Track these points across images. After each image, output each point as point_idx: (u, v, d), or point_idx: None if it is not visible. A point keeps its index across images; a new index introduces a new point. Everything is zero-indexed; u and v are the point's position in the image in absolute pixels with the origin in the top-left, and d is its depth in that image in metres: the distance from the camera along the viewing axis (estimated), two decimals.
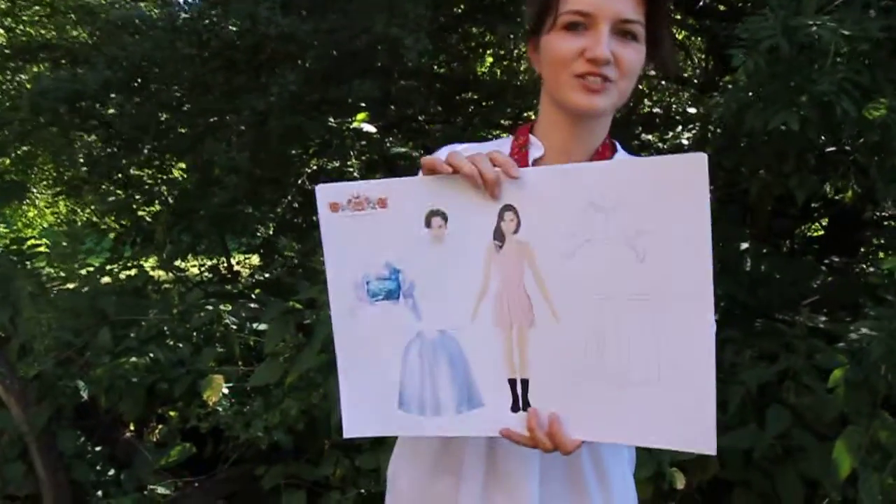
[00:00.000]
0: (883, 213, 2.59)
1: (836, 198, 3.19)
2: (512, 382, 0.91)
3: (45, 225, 7.58)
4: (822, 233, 4.15)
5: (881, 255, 3.44)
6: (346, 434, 0.98)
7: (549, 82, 1.00)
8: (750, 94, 2.01)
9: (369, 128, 2.98)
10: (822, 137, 2.04)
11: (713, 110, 2.20)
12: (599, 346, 0.87)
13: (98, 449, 2.59)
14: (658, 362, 0.84)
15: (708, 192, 0.80)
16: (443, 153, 0.95)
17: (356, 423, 0.98)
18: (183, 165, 4.33)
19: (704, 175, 0.80)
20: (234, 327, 2.89)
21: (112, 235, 4.44)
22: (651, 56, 0.99)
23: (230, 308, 2.97)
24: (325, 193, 0.94)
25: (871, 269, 3.37)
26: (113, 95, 2.98)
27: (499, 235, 0.89)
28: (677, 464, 2.02)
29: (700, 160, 0.80)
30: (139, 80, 2.99)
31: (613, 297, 0.85)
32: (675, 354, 0.83)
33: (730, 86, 2.08)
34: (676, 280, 0.82)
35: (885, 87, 1.81)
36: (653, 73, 5.06)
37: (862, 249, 3.82)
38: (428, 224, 0.91)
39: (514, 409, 0.91)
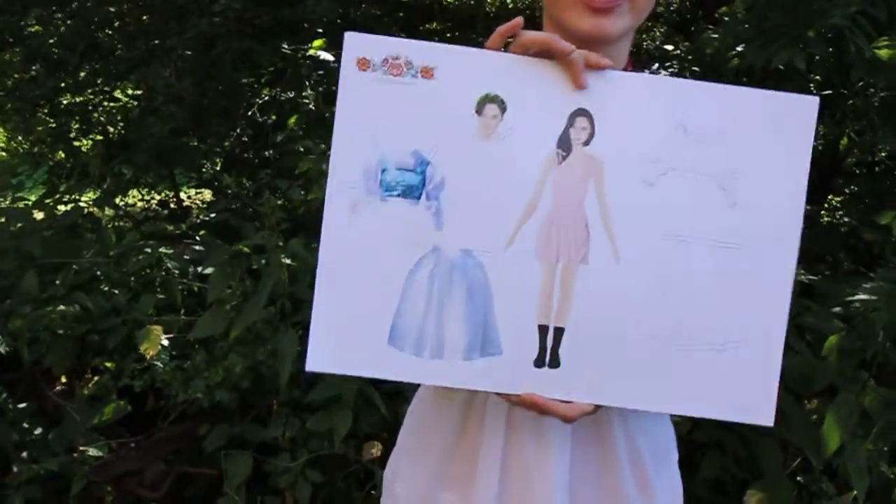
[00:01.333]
0: (871, 162, 2.47)
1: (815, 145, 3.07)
2: (542, 330, 0.75)
3: None
4: None
5: (858, 203, 3.33)
6: (310, 366, 0.77)
7: (550, 5, 0.81)
8: (748, 26, 1.82)
9: (327, 55, 2.74)
10: (825, 81, 1.86)
11: (707, 44, 2.00)
12: (663, 299, 0.74)
13: (22, 406, 2.37)
14: (727, 323, 0.74)
15: (812, 140, 0.73)
16: None
17: (326, 353, 0.76)
18: (129, 92, 3.99)
19: (814, 121, 0.73)
20: (177, 272, 2.66)
21: (45, 168, 4.10)
22: None
23: (172, 251, 2.74)
24: (356, 44, 0.73)
25: (846, 220, 3.27)
26: (35, 9, 2.64)
27: (564, 144, 0.73)
28: None
29: (813, 104, 0.73)
30: None
31: (692, 243, 0.74)
32: (748, 316, 0.74)
33: (726, 18, 1.88)
34: (765, 233, 0.74)
35: None
36: None
37: (832, 198, 3.74)
38: (480, 111, 0.73)
39: (539, 363, 0.75)
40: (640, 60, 4.36)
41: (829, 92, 2.13)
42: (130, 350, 2.36)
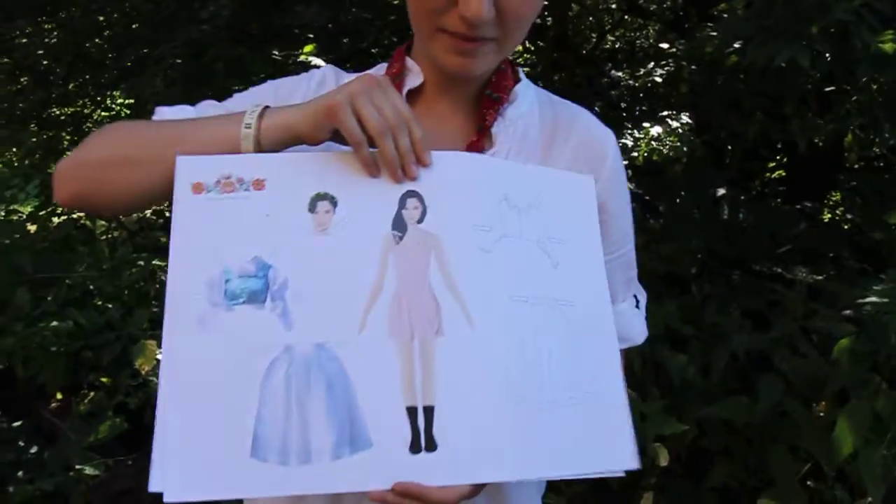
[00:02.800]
0: (871, 157, 2.43)
1: (816, 141, 3.03)
2: (411, 412, 0.69)
3: None
4: (782, 173, 4.00)
5: (860, 200, 3.29)
6: (168, 499, 0.66)
7: (414, 25, 0.80)
8: (748, 22, 1.77)
9: (318, 61, 2.70)
10: (824, 78, 1.82)
11: (707, 42, 1.96)
12: (522, 359, 0.73)
13: (17, 424, 2.33)
14: (575, 378, 0.76)
15: (596, 212, 0.81)
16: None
17: (183, 480, 0.67)
18: (120, 102, 3.95)
19: (592, 195, 0.81)
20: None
21: (37, 180, 4.06)
22: None
23: (165, 262, 2.69)
24: (189, 169, 0.73)
25: (849, 217, 3.23)
26: (21, 20, 2.59)
27: (399, 225, 0.73)
28: (658, 438, 1.86)
29: (587, 182, 0.82)
30: (49, 5, 2.61)
31: (535, 302, 0.76)
32: (590, 372, 0.77)
33: (724, 15, 1.84)
34: (585, 289, 0.79)
35: None
36: (614, 6, 4.84)
37: (832, 194, 3.70)
38: (312, 209, 0.73)
39: (414, 448, 0.68)
40: (630, 59, 4.32)
41: (833, 88, 2.10)
42: (125, 366, 2.32)
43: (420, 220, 0.74)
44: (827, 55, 1.55)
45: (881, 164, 2.65)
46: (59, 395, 2.65)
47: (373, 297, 0.72)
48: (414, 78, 0.85)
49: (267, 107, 0.76)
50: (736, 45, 1.84)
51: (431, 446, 0.69)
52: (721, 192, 2.96)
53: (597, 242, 0.81)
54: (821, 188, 3.66)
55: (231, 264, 0.72)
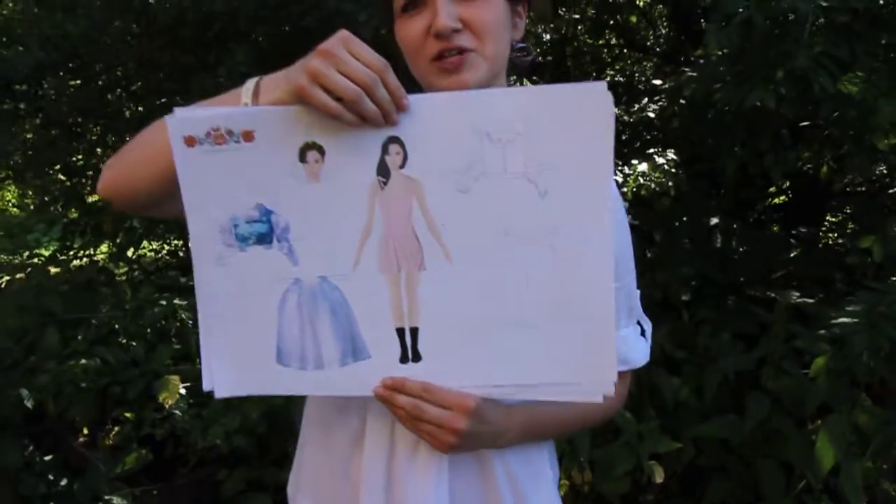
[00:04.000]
0: (856, 184, 2.55)
1: (805, 168, 3.15)
2: (400, 332, 0.84)
3: None
4: (783, 199, 4.11)
5: (851, 224, 3.40)
6: (218, 394, 0.87)
7: (414, 71, 0.90)
8: (722, 69, 1.92)
9: None
10: (799, 115, 1.96)
11: (685, 85, 2.10)
12: (497, 288, 0.81)
13: (48, 458, 2.45)
14: (558, 303, 0.81)
15: (613, 123, 0.76)
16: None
17: (228, 381, 0.87)
18: None
19: (609, 105, 0.76)
20: (191, 322, 2.75)
21: (60, 225, 4.23)
22: (513, 1, 0.90)
23: (185, 302, 2.83)
24: (179, 125, 0.80)
25: (840, 241, 3.34)
26: (49, 78, 2.77)
27: (383, 171, 0.80)
28: (654, 456, 1.96)
29: (601, 89, 0.76)
30: (78, 61, 2.79)
31: (512, 235, 0.80)
32: (576, 294, 0.80)
33: (701, 61, 1.98)
34: (578, 216, 0.79)
35: (864, 61, 1.73)
36: (614, 41, 5.01)
37: (829, 219, 3.80)
38: (303, 159, 0.80)
39: (403, 360, 0.84)
40: (629, 93, 4.46)
41: (808, 123, 2.23)
42: (150, 400, 2.45)
43: (402, 166, 0.79)
44: (792, 96, 1.68)
45: (863, 189, 2.76)
46: (85, 430, 2.78)
47: (364, 238, 0.82)
48: None
49: (261, 78, 0.81)
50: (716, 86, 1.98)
51: (417, 358, 0.84)
52: (714, 220, 3.08)
53: (605, 156, 0.77)
54: (817, 213, 3.77)
55: (237, 212, 0.83)
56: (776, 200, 4.12)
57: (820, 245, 3.43)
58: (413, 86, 0.87)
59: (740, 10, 1.69)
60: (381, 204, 0.81)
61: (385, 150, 0.79)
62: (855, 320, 1.57)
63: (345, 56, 0.73)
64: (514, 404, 0.89)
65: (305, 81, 0.74)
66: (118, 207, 0.94)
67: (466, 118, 0.78)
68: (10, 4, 4.23)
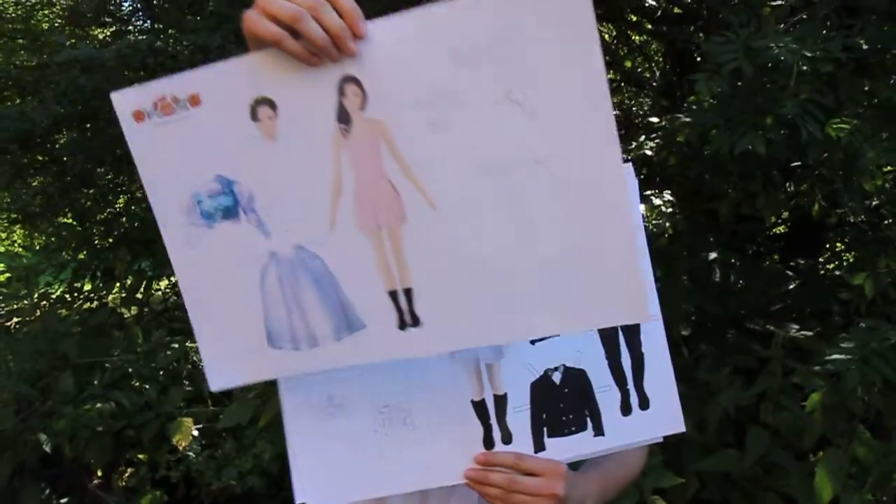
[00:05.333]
0: (848, 219, 2.62)
1: (802, 202, 3.23)
2: (392, 295, 0.75)
3: (2, 250, 7.39)
4: (783, 228, 4.17)
5: (848, 256, 3.47)
6: (213, 387, 0.81)
7: None
8: (714, 114, 2.00)
9: None
10: (787, 158, 2.04)
11: (678, 130, 2.19)
12: (493, 232, 0.71)
13: (64, 501, 2.50)
14: (568, 239, 0.71)
15: (595, 26, 0.65)
16: None
17: (222, 372, 0.80)
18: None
19: (588, 6, 0.65)
20: (202, 364, 2.81)
21: (70, 267, 4.31)
22: None
23: (196, 344, 2.89)
24: (125, 101, 0.73)
25: (838, 273, 3.40)
26: (64, 131, 2.88)
27: (343, 117, 0.70)
28: (657, 491, 2.00)
29: None
30: (91, 113, 2.90)
31: (501, 168, 0.70)
32: (587, 226, 0.70)
33: (693, 107, 2.07)
34: (576, 135, 0.68)
35: (848, 106, 1.82)
36: (611, 75, 5.12)
37: (827, 247, 3.86)
38: (254, 117, 0.72)
39: (402, 325, 0.75)
40: (626, 128, 4.56)
41: (799, 163, 2.31)
42: (163, 442, 2.50)
43: (363, 107, 0.70)
44: (779, 141, 1.76)
45: (860, 220, 2.83)
46: (99, 472, 2.82)
47: (335, 195, 0.73)
48: None
49: None
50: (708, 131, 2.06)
51: (416, 322, 0.75)
52: (713, 255, 3.15)
53: (596, 68, 0.66)
54: (815, 244, 3.84)
55: (197, 187, 0.74)
56: (777, 230, 4.19)
57: (819, 276, 3.49)
58: None
59: (730, 60, 1.78)
60: (348, 154, 0.72)
61: (342, 93, 0.69)
62: (848, 356, 1.63)
63: None
64: (589, 470, 0.88)
65: (253, 13, 0.67)
66: None
67: (431, 37, 0.68)
68: (24, 55, 4.38)
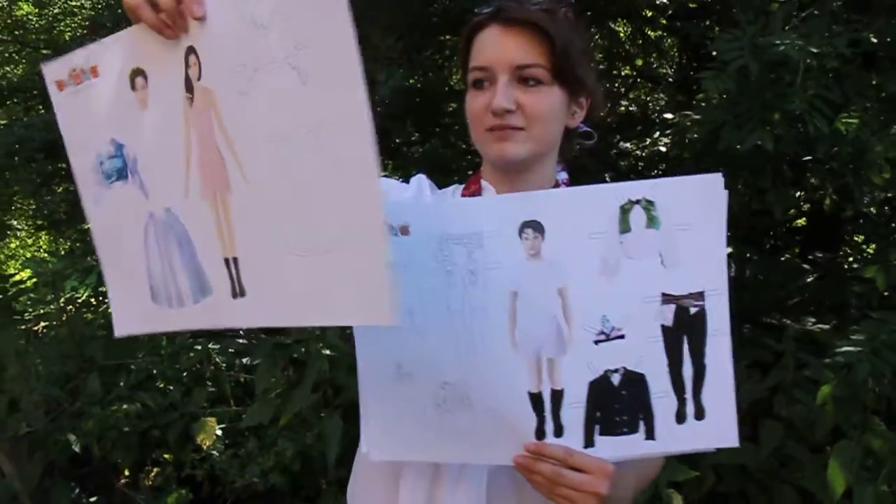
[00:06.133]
0: (865, 211, 2.62)
1: (817, 196, 3.22)
2: (227, 262, 0.77)
3: (29, 255, 7.54)
4: (803, 221, 4.15)
5: (868, 249, 3.45)
6: (117, 333, 0.89)
7: (473, 138, 1.01)
8: (723, 111, 2.02)
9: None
10: (797, 153, 2.05)
11: (688, 129, 2.21)
12: (289, 205, 0.71)
13: (93, 500, 2.57)
14: (328, 219, 0.69)
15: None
16: None
17: (123, 320, 0.89)
18: None
19: None
20: (224, 366, 2.87)
21: (95, 272, 4.40)
22: (575, 94, 0.99)
23: (219, 346, 2.96)
24: (51, 70, 0.82)
25: (857, 266, 3.38)
26: None
27: (188, 86, 0.75)
28: (674, 483, 2.02)
29: None
30: None
31: (288, 138, 0.69)
32: (341, 206, 0.68)
33: (703, 104, 2.09)
34: (334, 105, 0.66)
35: (856, 102, 1.82)
36: (626, 71, 5.12)
37: (846, 240, 3.84)
38: (133, 86, 0.78)
39: (234, 294, 0.77)
40: (643, 123, 4.56)
41: (809, 157, 2.32)
42: (188, 441, 2.56)
43: (199, 77, 0.73)
44: (787, 137, 1.78)
45: (873, 212, 2.83)
46: (126, 471, 2.89)
47: (186, 163, 0.77)
48: (489, 195, 1.01)
49: None
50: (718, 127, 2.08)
51: (243, 292, 0.76)
52: (728, 250, 3.15)
53: (344, 37, 0.64)
54: (834, 237, 3.82)
55: (99, 149, 0.82)
56: (798, 222, 4.17)
57: (837, 270, 3.48)
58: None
59: (736, 58, 1.80)
60: (192, 122, 0.75)
61: (187, 63, 0.74)
62: (858, 348, 1.64)
63: None
64: (625, 467, 0.89)
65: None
66: None
67: (234, 6, 0.70)
68: None
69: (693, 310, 0.84)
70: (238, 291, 0.76)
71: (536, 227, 0.81)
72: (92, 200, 0.85)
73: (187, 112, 0.74)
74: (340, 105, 0.66)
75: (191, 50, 0.73)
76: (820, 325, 2.63)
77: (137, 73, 0.77)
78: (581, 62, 0.97)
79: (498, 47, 0.94)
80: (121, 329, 0.89)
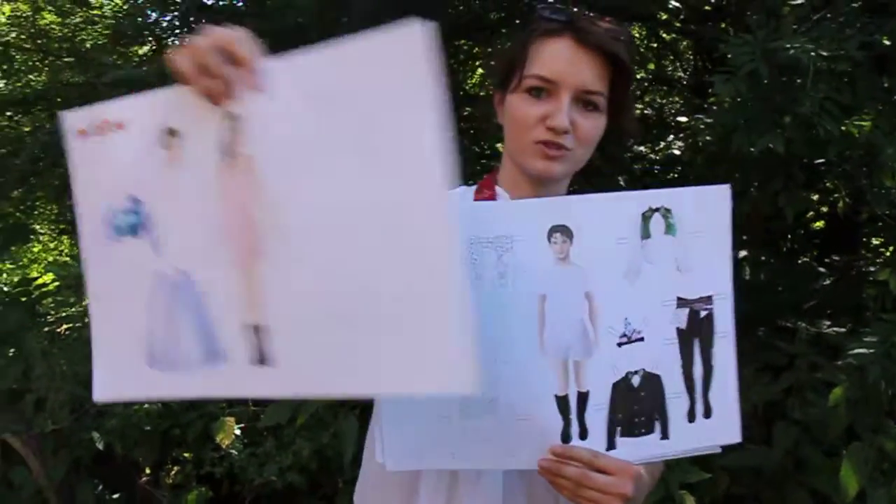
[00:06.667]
0: (881, 214, 2.61)
1: (832, 199, 3.21)
2: (250, 329, 0.76)
3: (51, 259, 7.67)
4: (821, 224, 4.13)
5: (887, 252, 3.43)
6: (96, 398, 0.84)
7: (510, 142, 1.00)
8: (734, 115, 2.03)
9: None
10: (809, 156, 2.06)
11: (699, 133, 2.23)
12: (339, 277, 0.71)
13: (116, 496, 2.63)
14: (399, 291, 0.69)
15: (429, 64, 0.65)
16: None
17: (107, 384, 0.83)
18: None
19: (422, 44, 0.65)
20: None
21: None
22: (613, 122, 0.99)
23: None
24: (73, 119, 0.82)
25: (873, 269, 3.37)
26: None
27: (225, 150, 0.75)
28: (686, 485, 2.04)
29: (415, 30, 0.66)
30: None
31: (345, 209, 0.70)
32: (416, 277, 0.68)
33: (714, 107, 2.11)
34: (409, 177, 0.68)
35: (867, 104, 1.84)
36: (641, 74, 5.13)
37: (863, 244, 3.82)
38: (163, 144, 0.78)
39: (255, 362, 0.76)
40: (658, 126, 4.57)
41: (822, 160, 2.33)
42: (207, 440, 2.61)
43: (240, 143, 0.74)
44: (798, 140, 1.79)
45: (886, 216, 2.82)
46: (147, 470, 2.95)
47: (213, 224, 0.77)
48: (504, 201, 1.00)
49: None
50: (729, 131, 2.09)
51: (269, 360, 0.75)
52: (743, 253, 3.15)
53: (427, 105, 0.66)
54: (852, 241, 3.80)
55: (113, 202, 0.81)
56: (815, 226, 4.15)
57: (853, 273, 3.47)
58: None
59: (746, 62, 1.81)
60: (227, 187, 0.76)
61: (228, 129, 0.75)
62: (871, 351, 1.65)
63: (205, 32, 0.74)
64: (644, 470, 0.90)
65: (178, 51, 0.74)
66: None
67: (291, 83, 0.72)
68: (69, 73, 4.56)
69: (703, 313, 0.87)
70: (263, 359, 0.75)
71: (565, 231, 0.83)
72: (94, 251, 0.83)
73: (222, 177, 0.75)
74: (414, 182, 0.67)
75: (235, 116, 0.74)
76: (835, 329, 2.63)
77: (170, 132, 0.78)
78: (628, 93, 0.99)
79: (569, 64, 0.93)
80: (103, 393, 0.84)
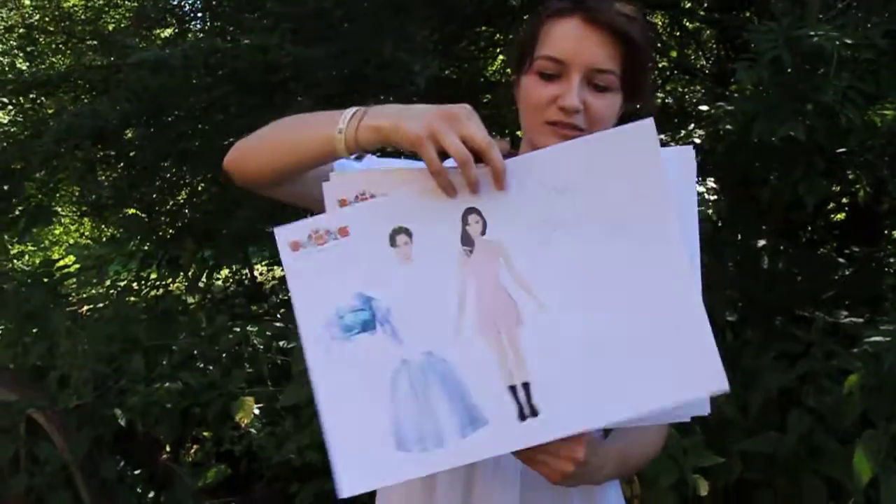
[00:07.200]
0: None
1: (853, 189, 3.19)
2: (513, 389, 0.85)
3: (72, 241, 7.78)
4: (842, 216, 4.09)
5: None
6: (343, 494, 0.86)
7: (525, 123, 1.01)
8: (755, 103, 2.03)
9: None
10: (830, 146, 2.05)
11: (720, 120, 2.22)
12: (593, 326, 0.84)
13: (137, 472, 2.68)
14: (649, 322, 0.83)
15: (659, 157, 0.82)
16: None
17: (353, 479, 0.86)
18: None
19: (654, 141, 0.82)
20: (262, 348, 2.97)
21: (138, 257, 4.54)
22: (630, 102, 1.00)
23: (257, 328, 3.06)
24: (285, 234, 0.89)
25: (893, 260, 3.35)
26: (132, 129, 3.06)
27: (467, 240, 0.86)
28: (700, 470, 2.05)
29: (647, 126, 0.82)
30: (156, 111, 3.08)
31: (597, 275, 0.84)
32: (662, 308, 0.83)
33: (736, 94, 2.10)
34: (650, 247, 0.83)
35: (890, 93, 1.83)
36: (664, 63, 5.09)
37: (884, 236, 3.79)
38: (393, 243, 0.87)
39: (522, 417, 0.85)
40: (680, 115, 4.55)
41: (844, 149, 2.32)
42: (227, 419, 2.66)
43: (483, 232, 0.85)
44: (820, 128, 1.79)
45: None
46: (168, 447, 3.01)
47: (460, 307, 0.86)
48: None
49: (362, 110, 0.89)
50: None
51: (535, 412, 0.84)
52: (762, 242, 3.14)
53: (662, 193, 0.83)
54: (874, 232, 3.77)
55: (341, 303, 0.87)
56: (837, 217, 4.12)
57: (873, 264, 3.45)
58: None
59: (769, 49, 1.81)
60: (470, 271, 0.86)
61: (465, 221, 0.85)
62: (887, 339, 1.65)
63: (467, 123, 0.82)
64: (609, 442, 0.95)
65: (424, 133, 0.81)
66: (239, 182, 1.04)
67: (534, 177, 0.85)
68: (92, 56, 4.61)
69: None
70: (528, 413, 0.85)
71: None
72: (322, 354, 0.88)
73: (463, 262, 0.86)
74: (656, 249, 0.83)
75: (472, 210, 0.85)
76: (853, 319, 2.63)
77: (400, 231, 0.86)
78: (647, 72, 0.99)
79: (578, 44, 0.94)
80: (351, 488, 0.86)
